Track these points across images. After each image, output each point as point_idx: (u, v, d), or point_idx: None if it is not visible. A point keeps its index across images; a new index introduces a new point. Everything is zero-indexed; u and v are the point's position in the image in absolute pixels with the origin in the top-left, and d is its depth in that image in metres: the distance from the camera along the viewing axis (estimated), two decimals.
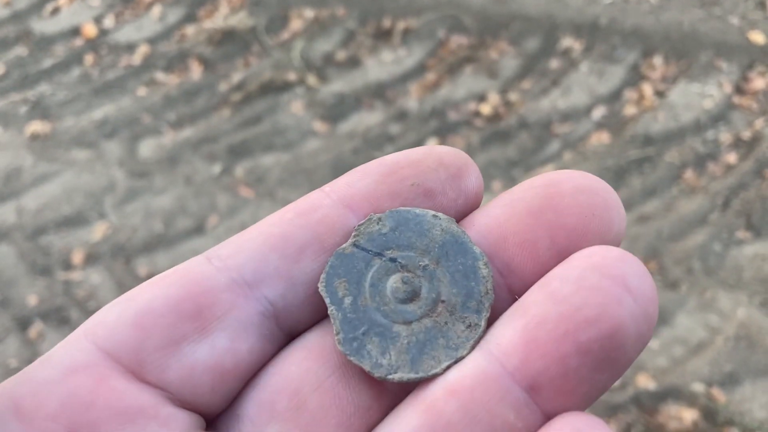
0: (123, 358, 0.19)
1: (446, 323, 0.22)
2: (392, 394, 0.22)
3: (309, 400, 0.21)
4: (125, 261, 1.51)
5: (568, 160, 1.59)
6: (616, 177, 1.55)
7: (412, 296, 0.22)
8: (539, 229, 0.21)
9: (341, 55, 1.85)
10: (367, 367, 0.21)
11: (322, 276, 0.22)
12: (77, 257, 1.53)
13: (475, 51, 1.82)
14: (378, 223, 0.22)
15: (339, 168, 1.63)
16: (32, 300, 1.46)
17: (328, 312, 0.22)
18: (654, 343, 1.33)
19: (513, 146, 1.63)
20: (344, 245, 0.22)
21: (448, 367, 0.21)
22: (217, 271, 0.20)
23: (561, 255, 0.21)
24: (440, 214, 0.23)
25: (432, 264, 0.22)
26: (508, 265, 0.22)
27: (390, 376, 0.21)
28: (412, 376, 0.21)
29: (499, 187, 1.56)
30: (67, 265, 1.52)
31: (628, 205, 1.52)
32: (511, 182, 1.57)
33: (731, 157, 1.57)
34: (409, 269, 0.22)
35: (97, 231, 1.57)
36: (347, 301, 0.22)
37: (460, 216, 0.24)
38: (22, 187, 1.66)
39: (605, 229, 0.21)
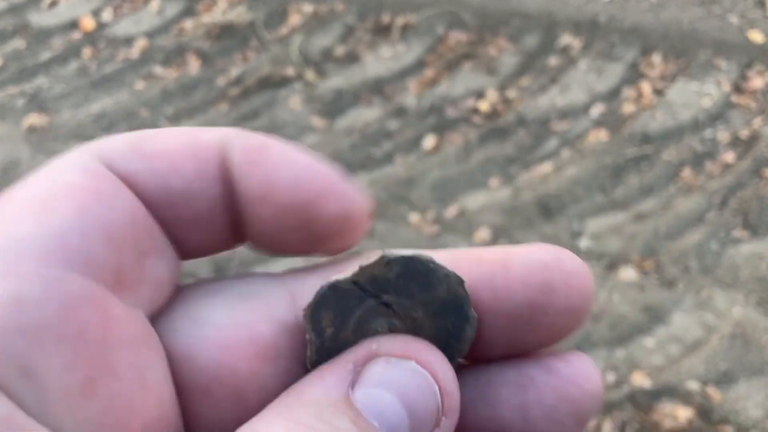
0: (107, 280, 0.19)
1: None
2: None
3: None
4: None
5: (566, 157, 1.59)
6: (614, 175, 1.56)
7: None
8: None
9: (340, 50, 1.85)
10: None
11: (310, 302, 0.21)
12: None
13: (474, 47, 1.81)
14: (386, 267, 0.22)
15: (336, 164, 1.63)
16: None
17: (306, 337, 0.21)
18: (650, 342, 1.33)
19: (511, 143, 1.63)
20: (342, 278, 0.21)
21: None
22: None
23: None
24: (452, 273, 0.22)
25: (423, 318, 0.22)
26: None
27: None
28: None
29: (497, 184, 1.56)
30: None
31: (626, 203, 1.52)
32: (508, 179, 1.57)
33: (729, 156, 1.57)
34: (399, 317, 0.22)
35: None
36: (329, 332, 0.21)
37: None
38: (19, 180, 1.65)
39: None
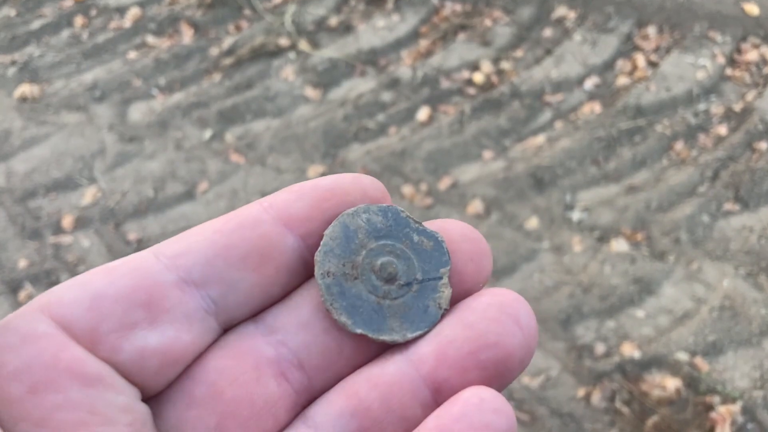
0: (79, 336, 0.21)
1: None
2: (296, 394, 0.25)
3: (224, 392, 0.24)
4: (115, 225, 1.51)
5: (560, 129, 1.59)
6: (607, 147, 1.56)
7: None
8: None
9: (334, 20, 1.83)
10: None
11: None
12: (67, 221, 1.53)
13: (468, 18, 1.80)
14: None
15: (330, 135, 1.62)
16: (22, 263, 1.46)
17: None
18: (640, 313, 1.34)
19: (505, 115, 1.63)
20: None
21: (407, 341, 0.26)
22: (165, 268, 0.24)
23: None
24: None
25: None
26: None
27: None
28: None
29: (490, 156, 1.56)
30: (57, 229, 1.52)
31: (618, 176, 1.52)
32: (502, 151, 1.57)
33: (722, 129, 1.57)
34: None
35: (87, 195, 1.56)
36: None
37: None
38: (11, 149, 1.65)
39: (477, 272, 0.27)
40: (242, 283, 0.24)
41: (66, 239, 1.50)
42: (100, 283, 0.22)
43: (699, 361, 1.28)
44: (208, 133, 1.64)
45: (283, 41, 1.80)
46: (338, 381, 0.25)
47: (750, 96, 1.61)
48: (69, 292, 0.22)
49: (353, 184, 0.27)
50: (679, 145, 1.55)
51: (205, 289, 0.24)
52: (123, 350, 0.22)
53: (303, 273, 0.26)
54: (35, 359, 0.20)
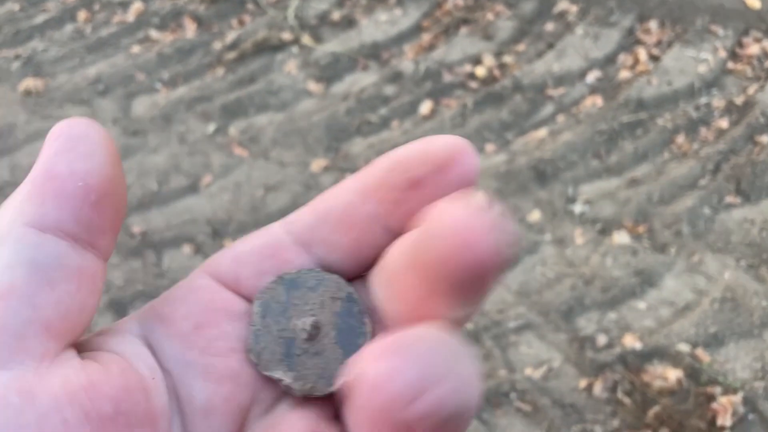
0: (227, 283, 0.27)
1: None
2: None
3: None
4: None
5: (562, 123, 1.60)
6: (609, 141, 1.56)
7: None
8: None
9: (336, 14, 1.84)
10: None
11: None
12: None
13: (471, 12, 1.81)
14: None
15: (333, 129, 1.63)
16: None
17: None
18: (641, 304, 1.35)
19: (507, 109, 1.63)
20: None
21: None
22: (285, 232, 0.28)
23: None
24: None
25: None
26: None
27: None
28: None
29: (492, 150, 1.57)
30: None
31: (620, 168, 1.53)
32: (504, 145, 1.58)
33: (723, 123, 1.58)
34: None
35: None
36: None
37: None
38: (16, 143, 1.66)
39: None
40: (339, 244, 0.27)
41: None
42: (240, 245, 0.27)
43: (700, 352, 1.29)
44: (211, 127, 1.65)
45: (286, 35, 1.80)
46: None
47: (751, 89, 1.62)
48: (220, 254, 0.27)
49: (420, 152, 0.25)
50: (681, 139, 1.56)
51: (313, 249, 0.27)
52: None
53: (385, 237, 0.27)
54: (197, 304, 0.26)
